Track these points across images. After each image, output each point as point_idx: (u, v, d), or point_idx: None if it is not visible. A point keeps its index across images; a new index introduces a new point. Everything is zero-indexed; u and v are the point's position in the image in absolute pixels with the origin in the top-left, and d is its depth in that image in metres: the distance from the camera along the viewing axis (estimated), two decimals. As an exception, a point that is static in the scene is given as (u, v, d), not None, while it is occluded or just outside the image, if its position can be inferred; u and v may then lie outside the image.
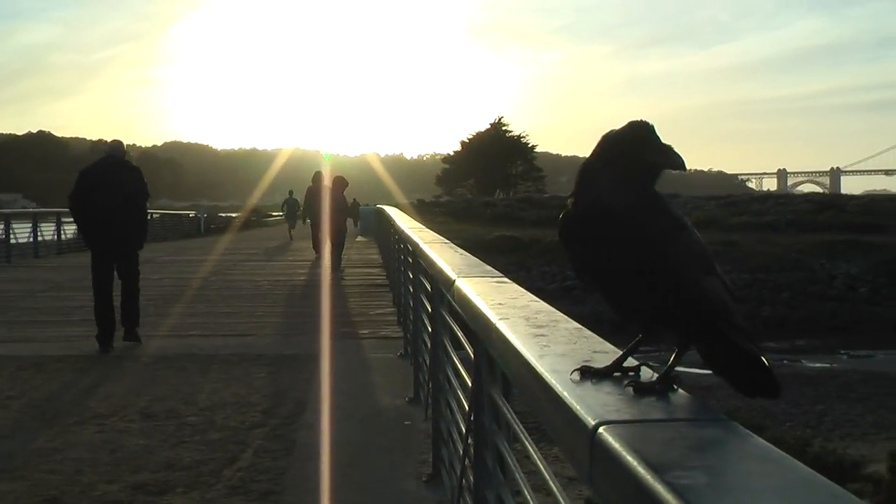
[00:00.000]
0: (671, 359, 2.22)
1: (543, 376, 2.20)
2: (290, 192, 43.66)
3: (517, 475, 3.27)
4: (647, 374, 2.23)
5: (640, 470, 1.46)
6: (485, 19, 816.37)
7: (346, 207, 24.14)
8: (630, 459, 1.52)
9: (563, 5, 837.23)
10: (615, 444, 1.61)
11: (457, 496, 4.77)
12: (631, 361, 2.30)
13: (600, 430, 1.70)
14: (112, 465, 7.05)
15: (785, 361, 29.96)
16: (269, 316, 15.42)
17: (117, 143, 13.35)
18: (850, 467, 14.17)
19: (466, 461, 4.35)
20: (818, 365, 29.78)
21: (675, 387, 2.11)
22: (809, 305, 39.34)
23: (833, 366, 29.84)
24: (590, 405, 1.87)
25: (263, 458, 7.23)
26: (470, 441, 4.22)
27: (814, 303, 39.63)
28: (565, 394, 1.98)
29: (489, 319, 3.16)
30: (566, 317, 3.01)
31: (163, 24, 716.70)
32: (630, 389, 2.07)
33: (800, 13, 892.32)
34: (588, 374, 2.21)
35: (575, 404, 1.89)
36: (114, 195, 12.22)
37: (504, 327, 2.88)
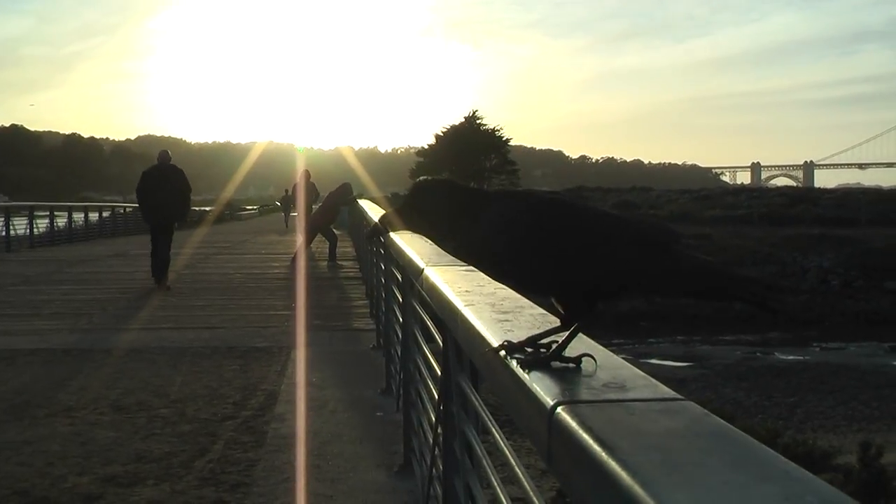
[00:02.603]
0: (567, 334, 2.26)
1: (504, 360, 2.21)
2: (286, 191, 52.99)
3: (485, 463, 3.27)
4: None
5: (595, 448, 1.47)
6: (461, 13, 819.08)
7: (335, 207, 24.92)
8: (585, 437, 1.52)
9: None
10: (572, 423, 1.61)
11: (427, 486, 4.78)
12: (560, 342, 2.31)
13: (558, 409, 1.70)
14: (82, 457, 7.04)
15: (758, 354, 30.11)
16: (242, 309, 15.36)
17: (164, 152, 19.14)
18: (820, 458, 14.22)
19: (436, 450, 4.36)
20: (791, 357, 29.93)
21: (574, 364, 2.12)
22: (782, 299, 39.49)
23: (805, 358, 29.99)
24: (548, 386, 1.88)
25: (234, 449, 7.22)
26: (439, 430, 4.22)
27: (786, 296, 39.80)
28: (525, 376, 2.00)
29: (455, 306, 3.16)
30: (532, 303, 3.02)
31: (136, 17, 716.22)
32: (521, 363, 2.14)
33: (775, 7, 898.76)
34: (506, 349, 2.28)
35: (534, 385, 1.91)
36: (160, 189, 17.96)
37: (469, 313, 2.89)
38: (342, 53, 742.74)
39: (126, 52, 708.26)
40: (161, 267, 18.23)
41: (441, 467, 4.17)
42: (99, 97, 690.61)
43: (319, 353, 11.13)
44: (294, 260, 22.90)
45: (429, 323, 5.54)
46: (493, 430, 2.98)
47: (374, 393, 9.02)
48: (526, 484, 2.43)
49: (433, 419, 4.58)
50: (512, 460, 2.58)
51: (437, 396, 4.42)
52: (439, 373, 4.32)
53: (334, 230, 25.29)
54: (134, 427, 7.89)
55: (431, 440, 4.57)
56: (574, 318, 2.30)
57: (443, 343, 4.05)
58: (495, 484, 2.97)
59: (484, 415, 3.25)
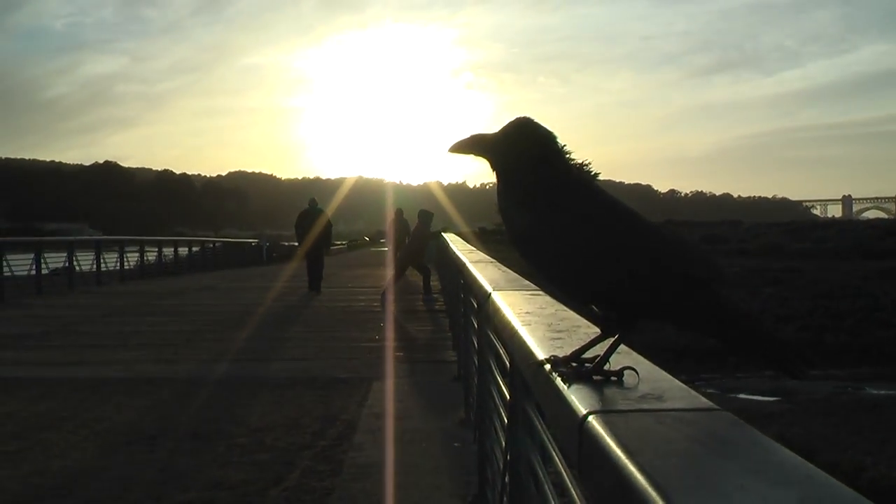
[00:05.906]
0: (607, 348, 2.25)
1: (549, 374, 2.21)
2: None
3: (547, 490, 3.24)
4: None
5: (617, 452, 1.46)
6: (548, 49, 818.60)
7: (425, 238, 25.00)
8: (609, 443, 1.52)
9: (628, 33, 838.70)
10: (600, 431, 1.62)
11: (497, 513, 4.75)
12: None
13: (589, 418, 1.71)
14: (160, 483, 7.11)
15: (848, 389, 29.62)
16: (326, 341, 15.41)
17: (312, 199, 27.01)
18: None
19: (505, 478, 4.34)
20: (882, 392, 29.39)
21: (615, 377, 2.10)
22: (873, 332, 38.81)
23: (897, 393, 29.47)
24: (585, 397, 1.89)
25: (310, 478, 7.25)
26: (508, 457, 4.20)
27: (877, 330, 39.13)
28: (564, 388, 2.00)
29: (514, 327, 3.16)
30: (589, 323, 3.00)
31: (228, 55, 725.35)
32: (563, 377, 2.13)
33: (866, 38, 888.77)
34: (551, 363, 2.29)
35: (571, 397, 1.91)
36: (309, 225, 25.82)
37: (524, 332, 2.89)
38: (430, 89, 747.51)
39: (218, 88, 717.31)
40: (316, 280, 26.03)
41: (509, 495, 4.15)
42: (191, 133, 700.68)
43: (401, 384, 11.14)
44: (384, 294, 23.04)
45: (501, 350, 5.53)
46: (555, 455, 2.95)
47: (452, 424, 9.01)
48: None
49: (503, 445, 4.57)
50: (570, 486, 2.55)
51: (507, 422, 4.40)
52: (508, 398, 4.31)
53: (426, 264, 25.44)
54: (212, 455, 7.95)
55: (501, 467, 4.55)
56: (612, 329, 2.28)
57: (510, 368, 4.03)
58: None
59: (546, 440, 3.22)
